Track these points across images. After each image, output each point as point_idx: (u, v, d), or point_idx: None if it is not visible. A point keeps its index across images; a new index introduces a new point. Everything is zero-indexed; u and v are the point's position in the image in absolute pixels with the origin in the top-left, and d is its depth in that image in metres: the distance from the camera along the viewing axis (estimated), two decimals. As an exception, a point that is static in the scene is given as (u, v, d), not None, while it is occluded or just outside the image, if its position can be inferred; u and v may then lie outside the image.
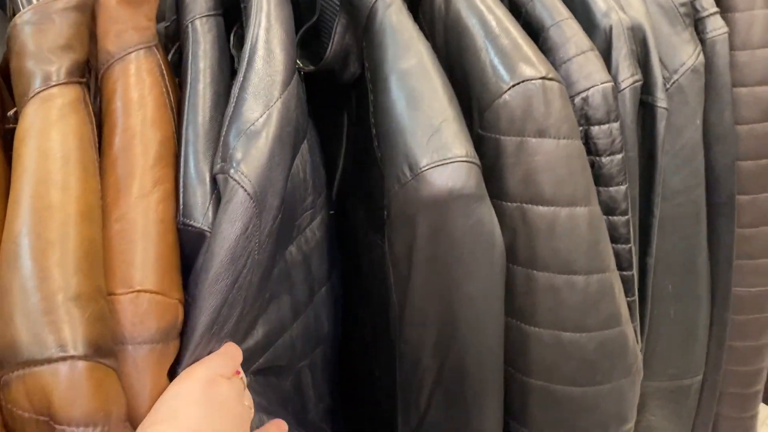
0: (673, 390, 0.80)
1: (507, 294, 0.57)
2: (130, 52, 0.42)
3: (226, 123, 0.44)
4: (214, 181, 0.43)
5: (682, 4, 0.63)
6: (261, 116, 0.44)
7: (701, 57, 0.65)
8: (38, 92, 0.39)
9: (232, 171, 0.42)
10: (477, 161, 0.49)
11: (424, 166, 0.47)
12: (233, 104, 0.45)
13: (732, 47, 0.69)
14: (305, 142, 0.53)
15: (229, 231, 0.41)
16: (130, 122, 0.41)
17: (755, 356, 0.84)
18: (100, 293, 0.36)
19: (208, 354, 0.42)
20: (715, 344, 0.79)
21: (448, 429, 0.58)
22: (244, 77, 0.45)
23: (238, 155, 0.42)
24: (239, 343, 0.46)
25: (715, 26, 0.66)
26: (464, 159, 0.48)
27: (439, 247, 0.50)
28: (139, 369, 0.37)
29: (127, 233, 0.39)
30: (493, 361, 0.56)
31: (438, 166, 0.47)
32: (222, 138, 0.44)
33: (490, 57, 0.51)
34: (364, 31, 0.53)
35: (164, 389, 0.38)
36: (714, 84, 0.67)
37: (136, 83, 0.42)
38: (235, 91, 0.45)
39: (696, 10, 0.65)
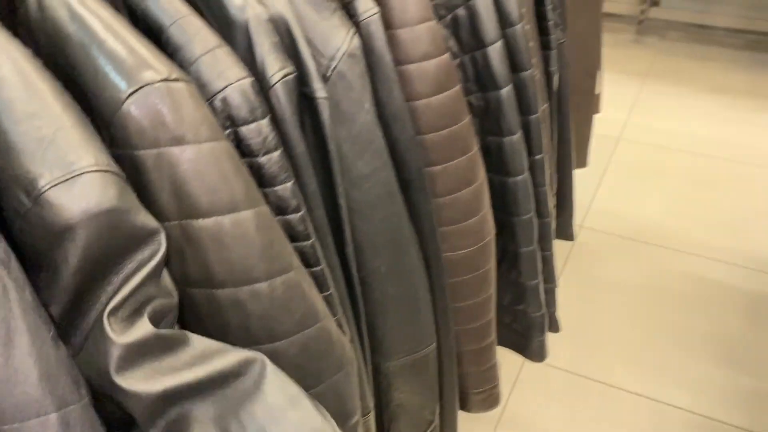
0: (412, 364, 0.82)
1: (195, 322, 0.53)
2: None
3: None
4: None
5: (325, -11, 0.62)
6: None
7: (356, 40, 0.65)
8: None
9: None
10: (114, 169, 0.42)
11: (43, 187, 0.39)
12: None
13: (390, 26, 0.70)
14: None
15: None
16: None
17: (480, 312, 0.89)
18: None
19: None
20: (441, 310, 0.82)
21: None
22: None
23: None
24: None
25: (366, 8, 0.66)
26: (94, 168, 0.41)
27: None
28: None
29: None
30: None
31: (61, 183, 0.40)
32: None
33: (100, 65, 0.46)
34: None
35: None
36: (377, 65, 0.68)
37: None
38: None
39: (343, -6, 0.65)
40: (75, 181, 0.40)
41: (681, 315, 1.67)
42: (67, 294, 0.41)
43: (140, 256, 0.44)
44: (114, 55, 0.45)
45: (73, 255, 0.40)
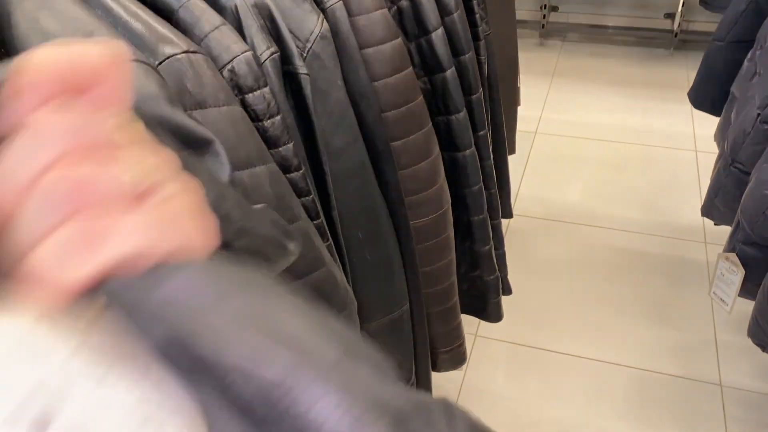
0: (388, 324, 0.89)
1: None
2: None
3: None
4: None
5: (296, -20, 0.70)
6: None
7: (326, 24, 0.72)
8: None
9: None
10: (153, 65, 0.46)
11: None
12: None
13: (351, 14, 0.78)
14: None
15: None
16: None
17: (443, 275, 0.97)
18: None
19: None
20: (411, 273, 0.90)
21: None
22: None
23: None
24: None
25: (331, -4, 0.74)
26: (136, 58, 0.45)
27: None
28: None
29: None
30: None
31: None
32: None
33: (128, 42, 0.51)
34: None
35: None
36: (343, 47, 0.75)
37: None
38: None
39: (310, -16, 0.72)
40: None
41: (609, 283, 1.82)
42: None
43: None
44: (138, 33, 0.50)
45: None
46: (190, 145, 0.41)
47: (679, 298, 1.76)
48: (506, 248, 1.26)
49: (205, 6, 0.57)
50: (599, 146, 2.43)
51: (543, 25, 3.09)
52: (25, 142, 0.22)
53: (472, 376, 1.56)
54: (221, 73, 0.56)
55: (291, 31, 0.68)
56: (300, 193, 0.63)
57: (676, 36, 2.95)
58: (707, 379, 1.54)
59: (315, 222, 0.65)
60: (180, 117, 0.42)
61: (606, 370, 1.57)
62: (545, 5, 3.04)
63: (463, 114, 0.98)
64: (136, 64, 0.43)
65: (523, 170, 2.27)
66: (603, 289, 1.80)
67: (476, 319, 1.23)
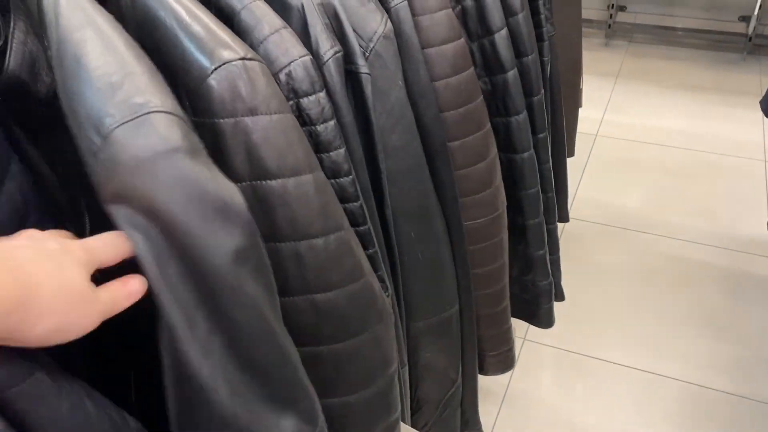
0: (437, 324, 0.89)
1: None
2: None
3: None
4: None
5: (363, -21, 0.70)
6: None
7: (389, 24, 0.72)
8: None
9: None
10: (180, 113, 0.44)
11: (111, 125, 0.41)
12: None
13: (415, 13, 0.78)
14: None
15: None
16: None
17: (496, 278, 0.97)
18: None
19: None
20: (462, 275, 0.90)
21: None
22: None
23: None
24: None
25: (395, -4, 0.74)
26: (160, 110, 0.42)
27: (160, 221, 0.42)
28: None
29: None
30: (269, 331, 0.51)
31: (129, 122, 0.41)
32: None
33: (187, 45, 0.52)
34: (39, 24, 0.49)
35: None
36: (405, 47, 0.75)
37: None
38: None
39: (376, -17, 0.73)
40: (143, 120, 0.41)
41: (665, 293, 1.77)
42: None
43: None
44: (198, 37, 0.52)
45: (137, 197, 0.41)
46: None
47: (738, 312, 1.70)
48: (560, 252, 1.24)
49: (267, 8, 0.58)
50: (662, 151, 2.36)
51: (609, 25, 3.02)
52: None
53: (518, 379, 1.55)
54: (278, 76, 0.57)
55: (355, 30, 0.69)
56: (348, 199, 0.63)
57: (750, 40, 2.84)
58: (763, 398, 1.48)
59: (361, 228, 0.65)
60: (201, 173, 0.43)
61: (657, 382, 1.53)
62: (612, 5, 2.96)
63: (523, 116, 0.96)
64: (161, 115, 0.42)
65: (582, 173, 2.22)
66: (658, 299, 1.75)
67: (525, 323, 1.22)
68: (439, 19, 0.81)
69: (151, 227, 0.41)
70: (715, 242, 1.93)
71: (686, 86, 2.74)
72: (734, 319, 1.68)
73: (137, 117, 0.41)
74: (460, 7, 0.92)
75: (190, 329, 0.42)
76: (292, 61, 0.59)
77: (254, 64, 0.53)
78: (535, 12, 1.13)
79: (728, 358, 1.58)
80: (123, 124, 0.41)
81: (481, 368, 1.05)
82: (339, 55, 0.65)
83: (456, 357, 0.94)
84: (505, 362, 1.05)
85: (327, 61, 0.64)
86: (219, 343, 0.44)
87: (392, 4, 0.74)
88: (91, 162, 0.42)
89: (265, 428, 0.47)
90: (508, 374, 1.55)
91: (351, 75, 0.68)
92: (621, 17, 3.05)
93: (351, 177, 0.65)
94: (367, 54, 0.71)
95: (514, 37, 0.95)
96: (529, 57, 0.97)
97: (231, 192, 0.45)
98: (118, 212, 0.42)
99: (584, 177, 2.21)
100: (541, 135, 1.02)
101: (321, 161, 0.62)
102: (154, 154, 0.41)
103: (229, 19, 0.59)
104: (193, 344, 0.42)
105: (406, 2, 0.75)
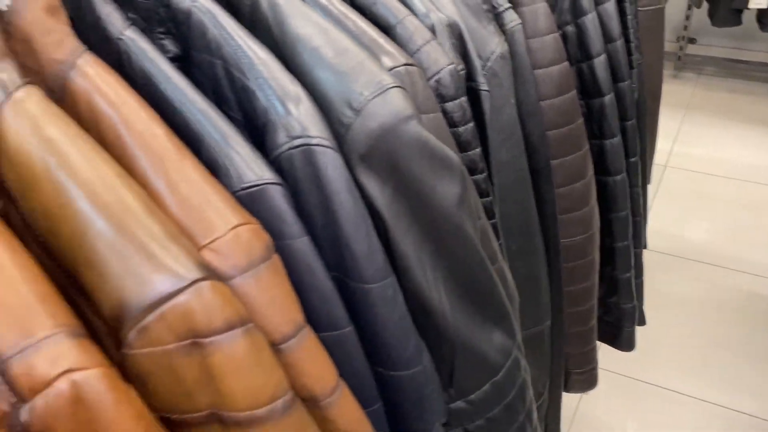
0: (531, 338, 0.91)
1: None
2: (77, 57, 0.43)
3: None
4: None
5: (484, 2, 0.75)
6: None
7: (505, 45, 0.76)
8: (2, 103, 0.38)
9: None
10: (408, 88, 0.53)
11: (365, 100, 0.50)
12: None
13: (526, 35, 0.82)
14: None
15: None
16: (128, 119, 0.42)
17: (587, 296, 0.98)
18: (181, 233, 0.38)
19: None
20: (555, 291, 0.92)
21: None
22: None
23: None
24: None
25: (512, 19, 0.78)
26: (394, 84, 0.51)
27: (397, 175, 0.52)
28: (265, 286, 0.41)
29: (191, 194, 0.40)
30: (483, 262, 0.60)
31: (377, 96, 0.50)
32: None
33: (361, 53, 0.56)
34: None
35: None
36: (518, 67, 0.79)
37: (106, 84, 0.42)
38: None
39: (494, 7, 0.77)
40: (386, 94, 0.50)
41: (738, 327, 1.74)
42: None
43: None
44: (367, 46, 0.56)
45: (385, 156, 0.51)
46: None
47: (817, 350, 1.66)
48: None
49: (417, 23, 0.63)
50: (731, 184, 2.33)
51: (679, 57, 3.01)
52: None
53: (587, 403, 1.54)
54: (428, 82, 0.61)
55: (475, 50, 0.73)
56: (481, 194, 0.68)
57: (825, 75, 2.79)
58: None
59: (492, 221, 0.69)
60: (429, 134, 0.53)
61: (732, 418, 1.51)
62: (683, 36, 2.95)
63: (617, 139, 0.99)
64: (395, 89, 0.51)
65: (651, 203, 2.21)
66: (731, 333, 1.72)
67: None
68: (548, 42, 0.84)
69: (387, 185, 0.52)
70: (791, 278, 1.89)
71: (756, 120, 2.70)
72: (812, 357, 1.64)
73: (382, 92, 0.50)
74: (561, 32, 0.95)
75: (421, 267, 0.54)
76: (442, 69, 0.64)
77: (414, 69, 0.58)
78: (626, 40, 1.16)
79: (807, 396, 1.54)
80: (374, 98, 0.50)
81: (565, 386, 1.06)
82: (462, 72, 0.69)
83: (545, 371, 0.95)
84: (588, 381, 1.06)
85: (453, 77, 0.68)
86: (441, 276, 0.56)
87: (508, 27, 0.78)
88: (341, 131, 0.51)
89: (479, 341, 0.60)
90: (576, 397, 1.55)
91: (471, 92, 0.72)
92: (691, 49, 3.03)
93: (484, 174, 0.70)
94: (485, 72, 0.74)
95: (612, 63, 0.98)
96: (625, 83, 0.99)
97: (448, 149, 0.55)
98: (362, 174, 0.51)
99: (653, 207, 2.20)
100: (632, 159, 1.04)
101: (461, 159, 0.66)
102: (397, 120, 0.50)
103: (385, 31, 0.64)
104: (423, 278, 0.54)
105: (521, 25, 0.78)
